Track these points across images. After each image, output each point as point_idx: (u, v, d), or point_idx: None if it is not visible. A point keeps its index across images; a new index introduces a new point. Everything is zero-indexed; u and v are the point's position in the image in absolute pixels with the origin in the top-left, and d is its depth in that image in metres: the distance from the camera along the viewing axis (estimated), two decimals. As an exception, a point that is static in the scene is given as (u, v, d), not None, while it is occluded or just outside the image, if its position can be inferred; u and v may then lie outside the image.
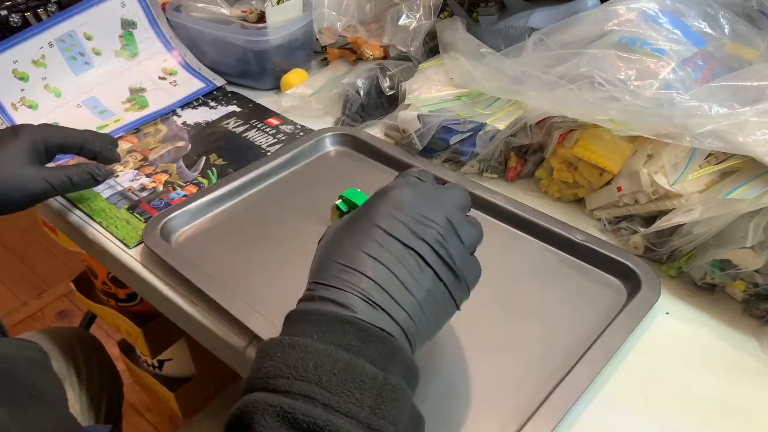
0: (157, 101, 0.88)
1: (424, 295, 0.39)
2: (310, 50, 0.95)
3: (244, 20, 0.90)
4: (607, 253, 0.60)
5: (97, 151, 0.67)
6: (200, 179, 0.74)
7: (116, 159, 0.70)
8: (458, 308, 0.42)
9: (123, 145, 0.80)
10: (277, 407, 0.32)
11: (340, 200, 0.63)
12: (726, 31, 0.65)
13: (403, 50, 0.83)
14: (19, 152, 0.60)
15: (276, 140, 0.80)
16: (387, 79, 0.81)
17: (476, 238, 0.43)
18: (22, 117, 0.82)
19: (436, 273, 0.39)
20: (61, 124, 0.83)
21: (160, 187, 0.73)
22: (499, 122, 0.68)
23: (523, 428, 0.46)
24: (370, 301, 0.37)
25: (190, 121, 0.85)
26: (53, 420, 0.37)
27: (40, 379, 0.37)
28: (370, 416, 0.33)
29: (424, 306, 0.39)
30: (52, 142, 0.63)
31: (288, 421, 0.31)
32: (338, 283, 0.38)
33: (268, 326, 0.53)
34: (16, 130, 0.62)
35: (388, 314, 0.37)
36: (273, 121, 0.84)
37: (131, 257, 0.64)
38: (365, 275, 0.37)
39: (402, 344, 0.37)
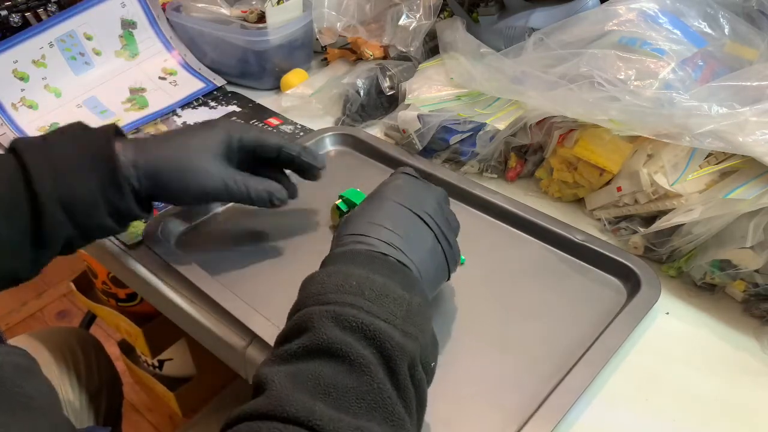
0: (157, 101, 0.88)
1: (430, 247, 0.48)
2: (310, 50, 0.95)
3: (244, 20, 0.90)
4: (607, 253, 0.60)
5: (295, 156, 0.60)
6: (200, 179, 0.74)
7: (318, 166, 0.62)
8: (449, 277, 0.51)
9: (123, 145, 0.80)
10: (331, 311, 0.39)
11: (340, 200, 0.63)
12: (726, 31, 0.65)
13: (403, 50, 0.83)
14: (209, 144, 0.56)
15: (276, 140, 0.80)
16: (387, 79, 0.81)
17: (457, 226, 0.53)
18: (22, 117, 0.82)
19: (435, 235, 0.49)
20: (61, 125, 0.83)
21: (160, 187, 0.73)
22: (499, 122, 0.68)
23: (523, 428, 0.46)
24: (391, 244, 0.46)
25: (191, 121, 0.85)
26: (45, 425, 0.36)
27: (28, 385, 0.36)
28: (403, 323, 0.40)
29: (430, 256, 0.48)
30: (246, 140, 0.58)
31: (339, 321, 0.38)
32: (364, 231, 0.46)
33: (268, 326, 0.53)
34: (212, 122, 0.59)
35: (405, 254, 0.46)
36: (273, 121, 0.84)
37: (131, 257, 0.64)
38: (385, 227, 0.46)
39: (417, 278, 0.45)
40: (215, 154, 0.56)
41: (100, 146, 0.52)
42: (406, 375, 0.38)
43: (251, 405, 0.36)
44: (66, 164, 0.51)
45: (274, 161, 0.61)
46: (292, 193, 0.62)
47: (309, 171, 0.63)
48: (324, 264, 0.46)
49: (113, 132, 0.54)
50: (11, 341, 0.79)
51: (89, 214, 0.52)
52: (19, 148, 0.51)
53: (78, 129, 0.54)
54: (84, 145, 0.52)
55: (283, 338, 0.41)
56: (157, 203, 0.70)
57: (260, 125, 0.83)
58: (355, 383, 0.37)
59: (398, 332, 0.39)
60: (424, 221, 0.49)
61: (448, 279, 0.51)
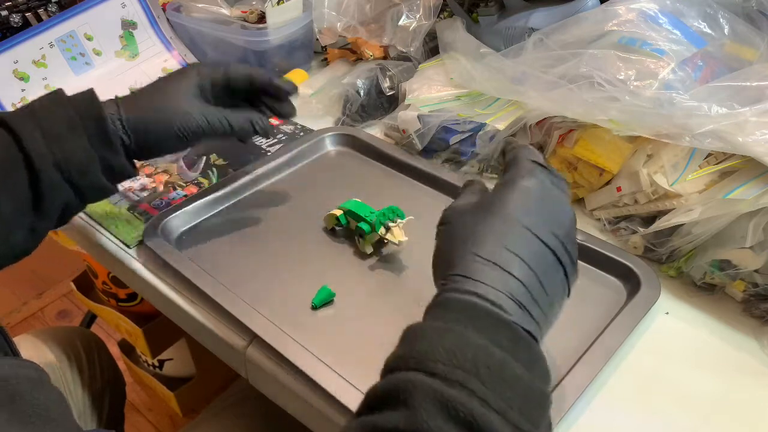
0: (157, 101, 0.88)
1: (555, 292, 0.40)
2: (310, 50, 0.95)
3: (245, 20, 0.90)
4: (607, 254, 0.60)
5: (266, 81, 0.60)
6: (200, 179, 0.74)
7: (288, 89, 0.62)
8: (569, 296, 0.43)
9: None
10: (438, 391, 0.32)
11: (341, 212, 0.63)
12: (726, 31, 0.65)
13: (403, 50, 0.83)
14: (184, 87, 0.57)
15: (276, 140, 0.80)
16: (387, 79, 0.81)
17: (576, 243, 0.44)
18: (22, 117, 0.82)
19: (564, 269, 0.40)
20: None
21: (161, 187, 0.73)
22: (499, 122, 0.68)
23: (523, 428, 0.46)
24: (517, 302, 0.37)
25: (191, 121, 0.85)
26: None
27: (42, 396, 0.37)
28: (518, 417, 0.33)
29: (555, 303, 0.40)
30: (216, 77, 0.59)
31: (447, 409, 0.32)
32: (485, 278, 0.38)
33: (268, 326, 0.53)
34: (184, 68, 0.60)
35: (530, 314, 0.38)
36: (273, 121, 0.84)
37: (131, 257, 0.64)
38: (512, 275, 0.38)
39: (541, 351, 0.37)
40: (191, 95, 0.57)
41: (86, 107, 0.54)
42: None
43: None
44: (56, 127, 0.52)
45: (251, 95, 0.62)
46: (287, 111, 0.63)
47: (282, 98, 0.62)
48: (434, 306, 0.38)
49: (95, 94, 0.55)
50: (13, 340, 0.80)
51: (84, 172, 0.53)
52: (5, 118, 0.52)
53: (61, 95, 0.55)
54: (70, 107, 0.53)
55: (374, 400, 0.35)
56: (156, 203, 0.70)
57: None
58: None
59: (511, 428, 0.32)
60: (555, 254, 0.39)
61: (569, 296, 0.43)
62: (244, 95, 0.62)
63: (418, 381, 0.33)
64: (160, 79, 0.59)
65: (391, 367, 0.36)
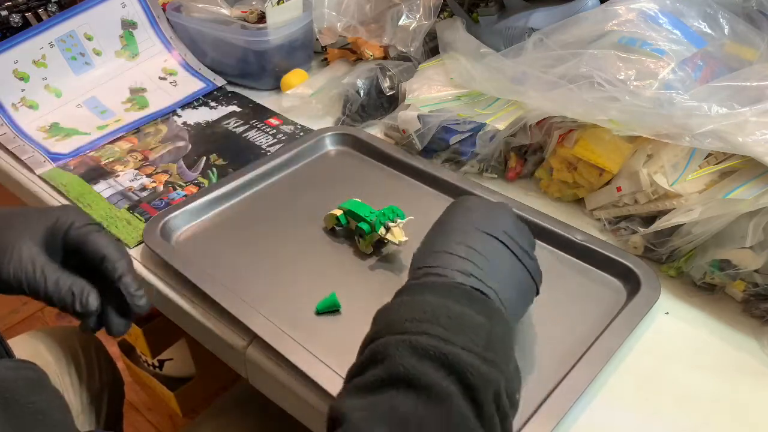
0: (157, 101, 0.88)
1: (509, 268, 0.46)
2: (310, 50, 0.95)
3: (245, 20, 0.90)
4: (607, 254, 0.60)
5: (115, 276, 0.49)
6: (200, 179, 0.74)
7: (134, 304, 0.50)
8: (538, 292, 0.49)
9: (123, 145, 0.81)
10: (407, 341, 0.37)
11: (341, 212, 0.63)
12: (726, 31, 0.65)
13: (403, 50, 0.83)
14: (30, 225, 0.49)
15: (276, 140, 0.80)
16: (387, 79, 0.81)
17: (534, 241, 0.51)
18: (22, 117, 0.83)
19: (514, 254, 0.47)
20: (62, 125, 0.83)
21: (161, 187, 0.73)
22: (499, 122, 0.68)
23: (523, 428, 0.46)
24: (466, 273, 0.43)
25: (191, 121, 0.85)
26: None
27: (40, 399, 0.37)
28: (484, 351, 0.37)
29: (510, 278, 0.46)
30: (73, 234, 0.50)
31: (417, 350, 0.36)
32: (437, 263, 0.44)
33: (268, 326, 0.53)
34: (50, 207, 0.52)
35: (483, 282, 0.43)
36: (273, 121, 0.84)
37: (131, 257, 0.64)
38: (459, 256, 0.44)
39: (498, 307, 0.43)
40: (32, 237, 0.48)
41: None
42: (491, 406, 0.36)
43: None
44: None
45: (104, 278, 0.50)
46: (117, 327, 0.52)
47: (128, 303, 0.50)
48: (398, 294, 0.44)
49: None
50: (12, 341, 0.80)
51: None
52: None
53: None
54: None
55: (357, 370, 0.39)
56: (156, 203, 0.70)
57: (260, 125, 0.83)
58: (435, 415, 0.34)
59: (479, 360, 0.36)
60: (501, 241, 0.46)
61: (537, 294, 0.49)
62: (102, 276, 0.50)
63: (390, 340, 0.38)
64: (24, 208, 0.52)
65: (365, 344, 0.40)
